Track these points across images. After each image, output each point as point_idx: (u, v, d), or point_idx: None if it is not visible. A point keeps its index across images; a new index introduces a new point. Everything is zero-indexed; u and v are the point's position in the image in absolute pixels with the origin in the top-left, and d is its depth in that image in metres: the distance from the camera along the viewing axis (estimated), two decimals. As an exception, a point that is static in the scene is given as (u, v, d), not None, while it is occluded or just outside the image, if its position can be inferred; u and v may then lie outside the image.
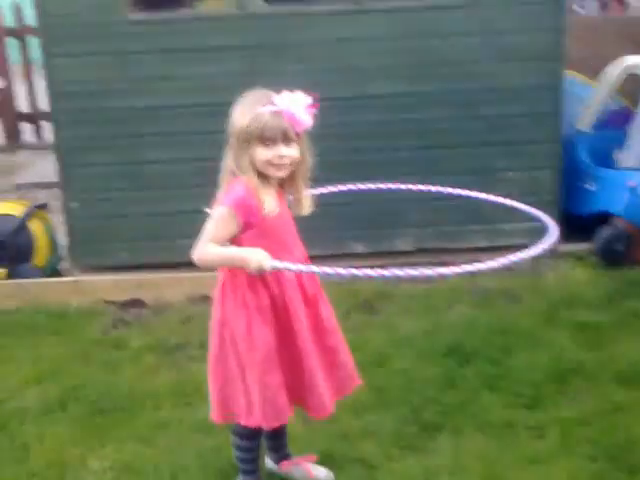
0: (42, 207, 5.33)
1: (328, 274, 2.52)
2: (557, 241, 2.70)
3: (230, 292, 2.68)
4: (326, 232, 4.92)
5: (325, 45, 4.82)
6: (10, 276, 4.92)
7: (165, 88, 4.75)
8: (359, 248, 5.01)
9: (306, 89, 4.70)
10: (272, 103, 2.53)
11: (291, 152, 2.58)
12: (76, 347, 4.24)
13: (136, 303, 4.78)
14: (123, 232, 4.92)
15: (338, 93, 4.81)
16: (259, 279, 2.62)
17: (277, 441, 3.05)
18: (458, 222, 5.00)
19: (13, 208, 5.09)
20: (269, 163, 2.56)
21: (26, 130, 8.76)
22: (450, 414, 3.39)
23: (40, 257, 5.02)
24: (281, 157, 2.56)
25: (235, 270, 2.64)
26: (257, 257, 2.51)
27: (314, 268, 2.52)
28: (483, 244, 5.02)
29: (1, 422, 3.53)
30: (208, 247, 2.57)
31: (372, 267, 4.79)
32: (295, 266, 2.52)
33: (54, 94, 4.82)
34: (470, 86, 4.88)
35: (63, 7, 4.70)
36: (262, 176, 2.60)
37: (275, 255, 2.56)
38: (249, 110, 2.54)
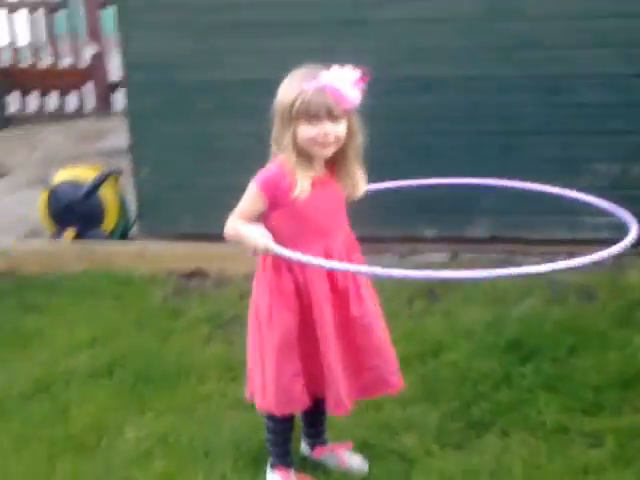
0: (116, 173, 5.33)
1: (337, 269, 2.48)
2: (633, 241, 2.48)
3: (261, 272, 2.61)
4: (396, 215, 4.78)
5: (405, 24, 4.62)
6: (79, 239, 4.96)
7: (239, 62, 4.67)
8: (430, 233, 4.83)
9: (383, 68, 4.61)
10: (317, 79, 2.42)
11: (337, 129, 2.46)
12: (133, 313, 4.24)
13: (199, 273, 4.75)
14: (189, 202, 4.88)
15: (417, 73, 4.64)
16: (284, 263, 2.53)
17: (314, 427, 2.95)
18: (536, 211, 4.73)
19: (86, 173, 5.12)
20: (313, 141, 2.45)
21: (118, 97, 8.86)
22: (501, 413, 3.20)
23: (109, 222, 5.04)
24: (326, 135, 2.44)
25: None
26: (254, 237, 2.43)
27: (323, 262, 2.42)
28: (562, 236, 4.76)
29: (48, 383, 3.55)
30: (233, 221, 2.53)
31: (442, 252, 4.75)
32: (302, 256, 2.38)
33: (128, 64, 4.81)
34: (557, 71, 4.59)
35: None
36: (306, 155, 2.49)
37: (305, 238, 2.50)
38: (294, 86, 2.44)
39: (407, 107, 4.68)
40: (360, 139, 2.56)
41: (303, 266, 2.53)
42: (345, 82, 2.41)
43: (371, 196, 4.70)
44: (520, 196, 4.69)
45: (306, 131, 2.44)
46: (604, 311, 4.06)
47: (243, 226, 2.50)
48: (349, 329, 2.65)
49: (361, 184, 2.66)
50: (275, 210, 2.52)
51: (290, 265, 2.54)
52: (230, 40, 4.71)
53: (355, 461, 2.93)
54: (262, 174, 2.53)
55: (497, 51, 4.59)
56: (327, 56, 4.48)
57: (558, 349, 3.65)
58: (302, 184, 2.47)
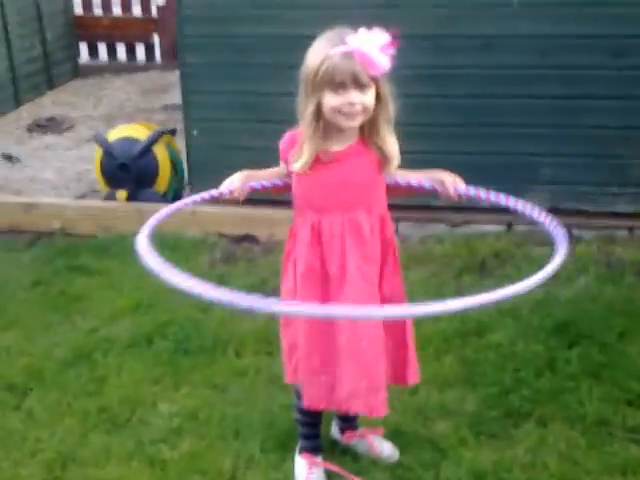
0: (171, 132, 5.30)
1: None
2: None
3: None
4: (449, 182, 4.63)
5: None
6: (131, 199, 4.96)
7: (295, 17, 4.53)
8: (484, 202, 4.65)
9: (441, 25, 4.44)
10: (344, 43, 2.26)
11: (364, 99, 2.31)
12: (179, 280, 4.21)
13: (249, 238, 4.72)
14: (240, 163, 4.75)
15: (475, 31, 4.44)
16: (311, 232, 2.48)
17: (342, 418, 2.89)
18: (597, 182, 4.55)
19: (140, 132, 5.09)
20: (338, 111, 2.31)
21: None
22: (540, 401, 3.09)
23: (162, 183, 5.03)
24: (352, 104, 2.30)
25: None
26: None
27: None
28: (625, 209, 4.55)
29: (87, 351, 3.57)
30: None
31: (496, 224, 4.59)
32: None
33: (182, 18, 4.71)
34: (630, 32, 4.33)
35: None
36: (330, 127, 2.37)
37: (319, 212, 2.45)
38: (319, 52, 2.29)
39: (458, 67, 4.50)
40: (391, 107, 2.41)
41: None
42: (374, 46, 2.24)
43: (422, 163, 4.63)
44: (581, 166, 4.54)
45: (331, 100, 2.30)
46: (663, 293, 3.88)
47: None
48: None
49: (395, 154, 2.50)
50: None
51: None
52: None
53: (385, 448, 2.86)
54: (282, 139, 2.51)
55: (560, 7, 4.36)
56: (384, 12, 4.44)
57: (608, 333, 3.50)
58: (304, 161, 2.38)
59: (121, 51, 9.01)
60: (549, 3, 4.36)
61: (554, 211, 4.46)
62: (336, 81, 2.27)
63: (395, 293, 2.62)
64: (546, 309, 3.72)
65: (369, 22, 4.39)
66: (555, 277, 4.02)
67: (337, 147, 2.43)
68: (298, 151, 2.40)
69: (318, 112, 2.34)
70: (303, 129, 2.37)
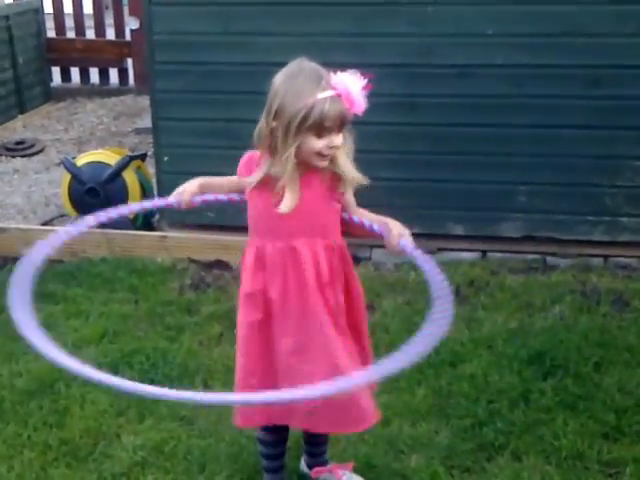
0: (141, 157, 5.22)
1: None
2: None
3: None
4: (424, 210, 4.61)
5: (444, 7, 4.38)
6: (100, 225, 4.85)
7: (266, 44, 4.48)
8: (459, 230, 4.62)
9: (419, 54, 4.41)
10: (330, 86, 2.22)
11: (340, 140, 2.28)
12: (147, 307, 4.13)
13: (220, 265, 4.64)
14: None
15: (451, 60, 4.41)
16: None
17: (313, 447, 2.80)
18: (572, 211, 4.51)
19: (109, 156, 5.02)
20: (318, 154, 2.27)
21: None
22: (515, 434, 3.02)
23: (132, 208, 4.93)
24: (332, 147, 2.26)
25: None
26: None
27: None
28: (599, 238, 4.52)
29: (49, 381, 3.44)
30: None
31: (470, 251, 4.54)
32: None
33: (152, 43, 4.65)
34: (606, 62, 4.31)
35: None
36: (300, 165, 2.31)
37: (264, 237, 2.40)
38: (306, 95, 2.21)
39: (438, 96, 4.46)
40: (351, 145, 2.37)
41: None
42: (357, 88, 2.22)
43: (398, 190, 4.58)
44: (556, 194, 4.51)
45: (314, 144, 2.25)
46: (637, 323, 3.84)
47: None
48: None
49: (351, 174, 2.39)
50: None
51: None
52: (259, 22, 4.54)
53: (354, 481, 2.78)
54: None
55: (541, 37, 4.34)
56: (356, 40, 4.40)
57: (583, 364, 3.45)
58: (290, 201, 2.30)
59: (94, 75, 8.92)
60: (524, 33, 4.33)
61: (529, 239, 4.52)
62: (325, 126, 2.23)
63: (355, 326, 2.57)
64: (521, 339, 3.67)
65: (343, 50, 4.39)
66: (530, 306, 4.03)
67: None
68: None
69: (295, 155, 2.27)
70: (283, 172, 2.27)
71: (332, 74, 2.26)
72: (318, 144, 2.25)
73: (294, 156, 2.27)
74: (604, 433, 3.03)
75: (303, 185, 2.34)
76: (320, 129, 2.23)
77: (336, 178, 2.38)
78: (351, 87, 2.22)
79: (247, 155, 2.46)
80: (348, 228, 2.51)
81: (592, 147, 4.43)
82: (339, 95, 2.22)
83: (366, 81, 2.26)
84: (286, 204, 2.30)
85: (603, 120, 4.39)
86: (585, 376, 3.37)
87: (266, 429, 2.66)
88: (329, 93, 2.21)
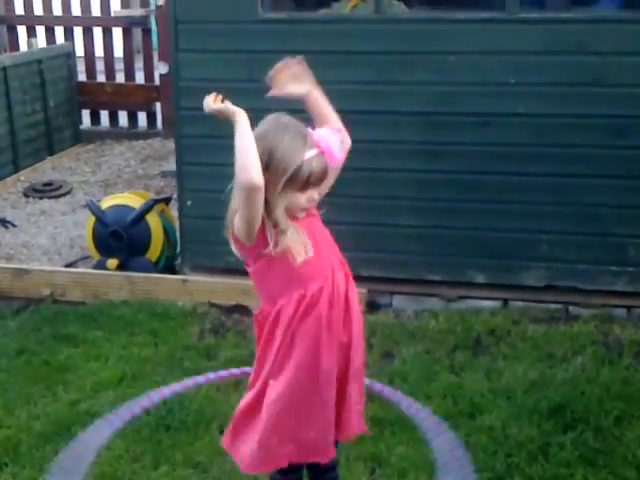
0: (165, 200, 5.28)
1: None
2: None
3: None
4: (445, 257, 4.60)
5: (466, 56, 4.42)
6: (122, 267, 4.91)
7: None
8: (479, 278, 4.60)
9: (438, 102, 4.44)
10: (315, 143, 2.28)
11: (317, 194, 2.35)
12: (166, 350, 4.14)
13: (240, 309, 4.64)
14: (232, 236, 4.77)
15: (473, 109, 4.43)
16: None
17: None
18: (595, 260, 4.48)
19: (134, 200, 5.07)
20: (300, 207, 2.33)
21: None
22: (533, 489, 2.98)
23: (154, 251, 4.98)
24: (313, 200, 2.34)
25: None
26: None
27: None
28: (623, 288, 4.48)
29: (66, 424, 3.46)
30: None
31: (491, 299, 4.51)
32: None
33: (178, 89, 4.72)
34: (629, 112, 4.31)
35: (193, 1, 4.59)
36: None
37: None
38: (295, 154, 2.25)
39: (457, 144, 4.48)
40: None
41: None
42: (336, 142, 2.29)
43: (420, 237, 4.58)
44: (578, 244, 4.49)
45: (299, 199, 2.30)
46: (662, 376, 3.78)
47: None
48: None
49: None
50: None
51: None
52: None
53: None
54: None
55: (565, 87, 4.35)
56: (376, 87, 4.44)
57: (604, 417, 3.40)
58: (305, 248, 2.32)
59: (123, 118, 9.06)
60: (546, 83, 4.34)
61: (551, 288, 4.49)
62: (311, 183, 2.28)
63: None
64: (541, 390, 3.62)
65: (366, 98, 4.43)
66: (551, 356, 3.98)
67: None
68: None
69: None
70: (285, 234, 2.29)
71: (310, 130, 2.32)
72: (301, 199, 2.31)
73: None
74: (624, 490, 2.97)
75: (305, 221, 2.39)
76: (305, 186, 2.29)
77: None
78: (331, 143, 2.29)
79: None
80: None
81: (615, 196, 4.40)
82: (322, 152, 2.28)
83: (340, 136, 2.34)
84: (302, 250, 2.31)
85: (626, 170, 4.38)
86: (606, 430, 3.32)
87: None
88: (314, 152, 2.27)
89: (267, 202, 2.27)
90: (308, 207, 2.34)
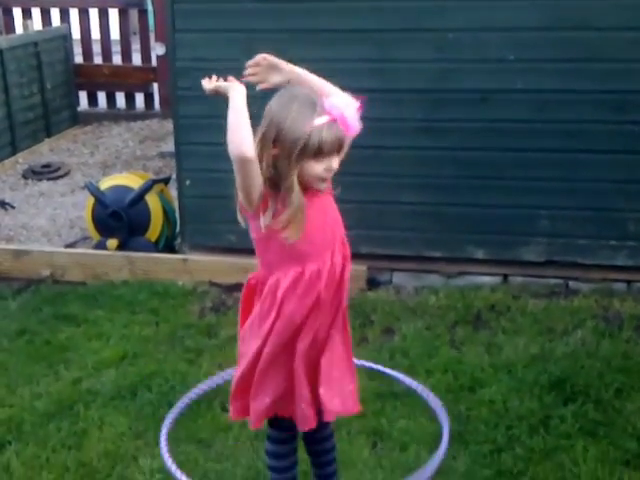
0: (164, 181, 5.27)
1: None
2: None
3: None
4: (445, 234, 4.60)
5: (464, 33, 4.39)
6: (122, 248, 4.91)
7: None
8: (479, 254, 4.60)
9: (438, 79, 4.42)
10: (325, 111, 2.25)
11: (337, 162, 2.32)
12: (167, 329, 4.15)
13: (240, 287, 4.56)
14: (232, 213, 4.74)
15: (473, 85, 4.41)
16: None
17: (320, 469, 2.77)
18: (595, 235, 4.48)
19: (133, 180, 5.06)
20: (318, 177, 2.30)
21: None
22: (534, 460, 2.99)
23: (154, 231, 4.98)
24: (331, 169, 2.30)
25: None
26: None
27: None
28: (623, 263, 4.48)
29: (69, 403, 3.48)
30: None
31: (491, 275, 4.52)
32: None
33: (175, 69, 4.70)
34: (629, 87, 4.29)
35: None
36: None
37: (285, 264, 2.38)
38: (302, 122, 2.24)
39: (459, 120, 4.47)
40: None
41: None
42: (352, 111, 2.26)
43: (420, 214, 4.58)
44: (579, 219, 4.48)
45: (314, 168, 2.27)
46: (660, 348, 3.80)
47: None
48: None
49: None
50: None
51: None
52: (280, 48, 4.54)
53: (371, 508, 2.76)
54: None
55: (564, 63, 4.33)
56: (376, 65, 4.43)
57: (604, 390, 3.42)
58: (298, 230, 2.30)
59: (120, 99, 9.03)
60: (545, 59, 4.32)
61: (551, 263, 4.49)
62: (324, 152, 2.26)
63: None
64: (541, 364, 3.64)
65: (366, 76, 4.41)
66: (551, 331, 3.99)
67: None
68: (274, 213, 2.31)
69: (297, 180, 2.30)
70: (287, 197, 2.27)
71: (324, 99, 2.29)
72: (318, 168, 2.28)
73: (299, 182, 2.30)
74: (625, 460, 2.99)
75: (317, 198, 2.37)
76: (319, 154, 2.27)
77: None
78: (345, 111, 2.27)
79: None
80: None
81: (615, 171, 4.39)
82: (334, 120, 2.26)
83: (358, 103, 2.30)
84: (295, 231, 2.30)
85: (626, 145, 4.36)
86: (606, 402, 3.34)
87: (274, 455, 2.66)
88: (325, 119, 2.25)
89: (280, 173, 2.27)
90: (328, 177, 2.31)
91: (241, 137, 2.21)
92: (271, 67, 2.43)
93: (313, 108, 2.26)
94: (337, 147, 2.28)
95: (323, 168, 2.28)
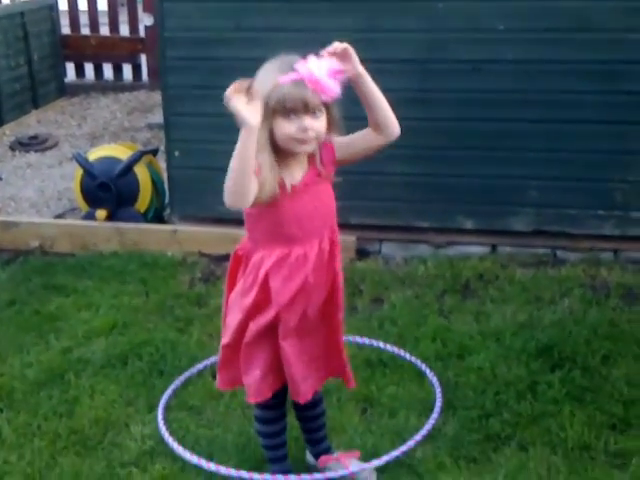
0: (153, 152, 5.25)
1: None
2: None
3: None
4: (434, 204, 4.62)
5: (454, 2, 4.37)
6: (111, 219, 4.90)
7: (277, 40, 4.45)
8: (468, 224, 4.62)
9: (427, 49, 4.41)
10: (293, 70, 2.25)
11: (316, 124, 2.30)
12: (156, 299, 4.16)
13: (230, 258, 4.64)
14: (221, 184, 4.74)
15: (462, 56, 4.40)
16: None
17: (312, 434, 2.82)
18: (583, 205, 4.50)
19: (121, 151, 5.04)
20: (291, 138, 2.29)
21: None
22: (521, 425, 3.03)
23: (143, 202, 4.97)
24: (305, 130, 2.28)
25: None
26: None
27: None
28: (610, 232, 4.51)
29: (59, 371, 3.49)
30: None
31: (480, 245, 4.54)
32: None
33: (164, 39, 4.67)
34: (615, 57, 4.30)
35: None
36: (284, 156, 2.34)
37: (272, 243, 2.42)
38: (269, 80, 2.26)
39: (447, 90, 4.47)
40: (341, 129, 2.43)
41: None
42: (323, 72, 2.24)
43: (409, 184, 4.59)
44: (566, 189, 4.50)
45: (284, 127, 2.28)
46: (646, 316, 3.83)
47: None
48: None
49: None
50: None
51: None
52: (270, 17, 4.55)
53: (362, 471, 2.79)
54: None
55: (551, 32, 4.32)
56: (365, 35, 4.41)
57: (591, 357, 3.45)
58: (269, 189, 2.30)
59: (108, 71, 8.98)
60: (535, 28, 4.32)
61: (539, 233, 4.52)
62: (287, 108, 2.26)
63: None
64: (528, 332, 3.66)
65: (354, 46, 4.38)
66: (539, 299, 4.03)
67: (296, 175, 2.40)
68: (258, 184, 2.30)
69: (271, 139, 2.30)
70: (258, 158, 2.28)
71: (301, 60, 2.28)
72: (289, 128, 2.28)
73: (276, 146, 2.31)
74: (611, 424, 3.03)
75: (312, 184, 2.42)
76: (284, 111, 2.26)
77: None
78: (315, 70, 2.24)
79: None
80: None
81: (603, 142, 4.41)
82: (301, 78, 2.25)
83: (338, 67, 2.28)
84: (266, 193, 2.30)
85: (615, 115, 4.37)
86: (593, 369, 3.37)
87: (264, 421, 2.68)
88: (290, 76, 2.25)
89: None
90: (304, 138, 2.30)
91: (242, 192, 2.23)
92: (344, 57, 2.33)
93: (282, 67, 2.27)
94: (305, 106, 2.26)
95: (295, 128, 2.27)
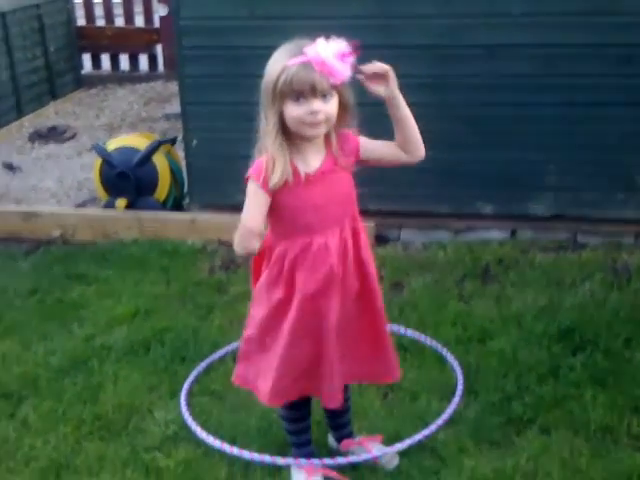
0: (171, 142, 5.27)
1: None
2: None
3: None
4: (453, 189, 4.61)
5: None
6: (131, 208, 4.93)
7: (292, 28, 4.43)
8: (487, 209, 4.61)
9: (443, 34, 4.40)
10: (302, 53, 2.25)
11: (326, 107, 2.29)
12: (178, 286, 4.18)
13: (249, 246, 4.65)
14: (239, 173, 4.74)
15: (479, 40, 4.39)
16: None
17: (335, 419, 2.83)
18: (603, 189, 4.49)
19: (139, 141, 5.06)
20: (301, 121, 2.28)
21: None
22: (543, 409, 3.02)
23: (162, 191, 4.98)
24: (314, 113, 2.27)
25: None
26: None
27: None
28: (630, 216, 4.49)
29: (83, 358, 3.52)
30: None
31: (500, 230, 4.53)
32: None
33: (180, 28, 4.67)
34: (632, 40, 4.27)
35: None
36: (295, 140, 2.35)
37: (293, 234, 2.41)
38: (278, 63, 2.27)
39: (463, 76, 4.46)
40: (352, 117, 2.42)
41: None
42: (332, 55, 2.23)
43: (428, 170, 4.57)
44: (587, 173, 4.49)
45: (293, 110, 2.27)
46: (668, 299, 3.82)
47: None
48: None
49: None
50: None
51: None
52: (285, 5, 4.55)
53: (384, 455, 2.80)
54: (252, 167, 2.39)
55: (568, 16, 4.30)
56: (377, 22, 4.40)
57: (613, 340, 3.44)
58: (279, 176, 2.31)
59: (124, 61, 9.00)
60: (551, 12, 4.29)
61: (559, 218, 4.50)
62: (296, 90, 2.25)
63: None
64: (550, 315, 3.66)
65: (370, 32, 4.40)
66: (560, 283, 4.02)
67: (312, 163, 2.39)
68: (269, 170, 2.33)
69: (282, 124, 2.31)
70: (268, 145, 2.30)
71: (311, 43, 2.28)
72: (298, 111, 2.27)
73: (287, 131, 2.32)
74: (633, 407, 3.02)
75: (329, 172, 2.41)
76: (293, 94, 2.26)
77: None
78: (323, 53, 2.23)
79: (256, 163, 2.40)
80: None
81: (623, 125, 4.39)
82: (309, 61, 2.24)
83: (348, 48, 2.26)
84: (275, 179, 2.31)
85: (634, 98, 4.35)
86: (615, 352, 3.36)
87: (289, 407, 2.69)
88: (298, 59, 2.25)
89: (266, 117, 2.32)
90: (314, 122, 2.29)
91: (250, 248, 2.41)
92: (383, 78, 2.34)
93: (292, 52, 2.27)
94: (313, 89, 2.25)
95: (304, 111, 2.27)
